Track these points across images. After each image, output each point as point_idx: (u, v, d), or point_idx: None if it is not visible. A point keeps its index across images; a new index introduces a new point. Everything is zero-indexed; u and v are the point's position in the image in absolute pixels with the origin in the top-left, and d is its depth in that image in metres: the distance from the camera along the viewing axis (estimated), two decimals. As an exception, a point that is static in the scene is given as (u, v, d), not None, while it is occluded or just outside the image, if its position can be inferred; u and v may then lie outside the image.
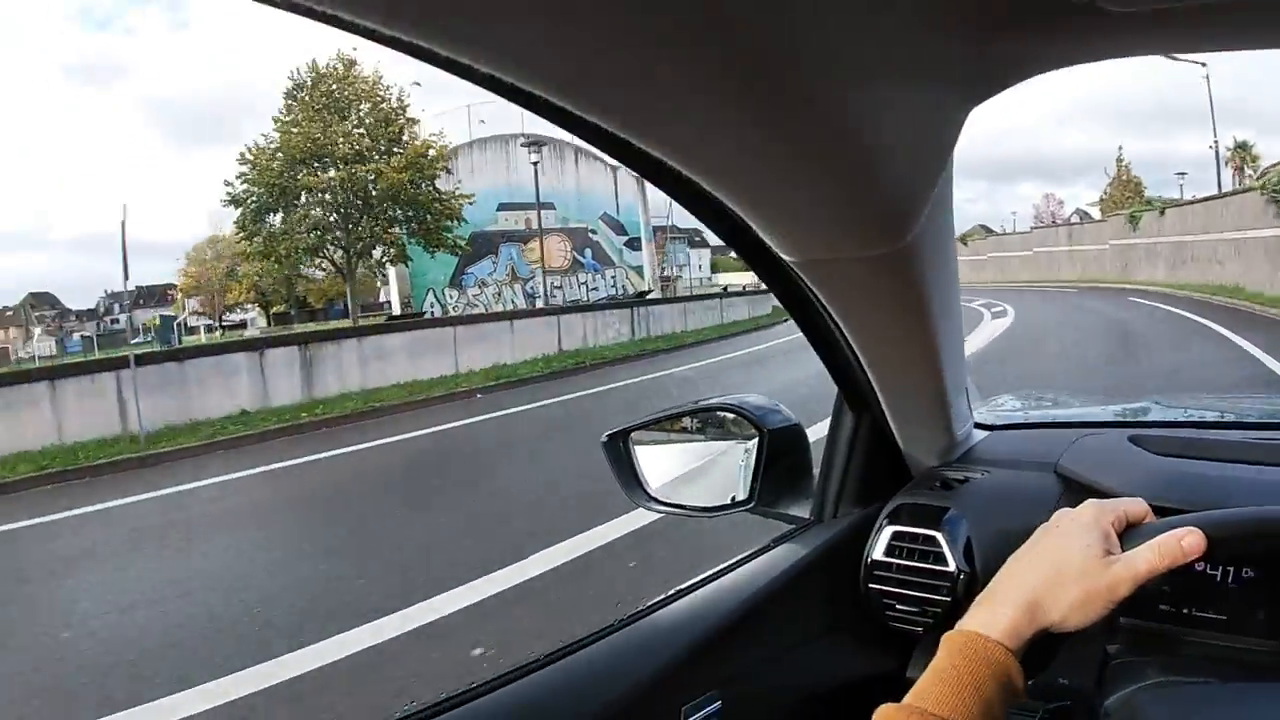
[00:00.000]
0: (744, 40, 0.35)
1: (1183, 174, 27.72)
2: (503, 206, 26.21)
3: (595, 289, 27.99)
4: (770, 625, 0.84)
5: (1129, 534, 0.57)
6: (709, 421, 1.04)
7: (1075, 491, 0.87)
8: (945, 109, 0.50)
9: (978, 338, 11.92)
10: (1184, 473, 0.86)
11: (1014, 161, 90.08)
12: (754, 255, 0.67)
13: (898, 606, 0.86)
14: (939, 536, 0.85)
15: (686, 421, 1.04)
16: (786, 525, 0.99)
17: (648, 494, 0.98)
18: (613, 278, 29.13)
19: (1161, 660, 0.73)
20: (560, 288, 26.56)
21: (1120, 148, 63.18)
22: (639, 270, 30.04)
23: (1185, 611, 0.77)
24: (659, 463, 0.99)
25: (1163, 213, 21.70)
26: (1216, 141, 21.20)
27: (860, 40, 0.39)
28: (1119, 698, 0.68)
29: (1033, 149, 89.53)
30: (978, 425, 1.09)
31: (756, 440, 0.95)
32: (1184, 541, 0.53)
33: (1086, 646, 0.76)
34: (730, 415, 0.99)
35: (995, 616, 0.52)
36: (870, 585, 0.88)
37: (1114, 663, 0.76)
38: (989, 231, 39.22)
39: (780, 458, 0.96)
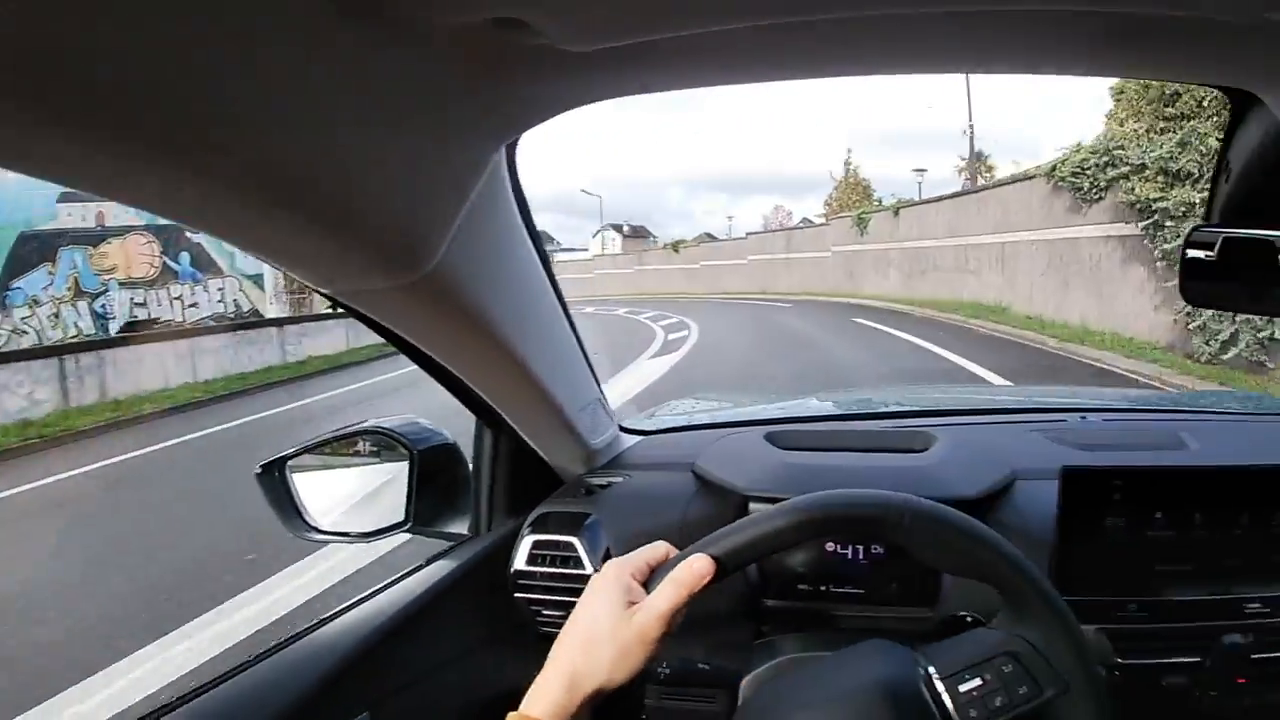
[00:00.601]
0: (215, 97, 0.37)
1: (922, 170, 26.16)
2: (65, 197, 18.30)
3: (194, 304, 20.39)
4: (424, 641, 0.86)
5: (655, 576, 0.60)
6: (371, 445, 1.02)
7: (709, 489, 0.99)
8: (464, 150, 0.56)
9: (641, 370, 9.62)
10: (799, 464, 1.00)
11: (754, 176, 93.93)
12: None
13: (544, 613, 0.93)
14: (575, 542, 0.91)
15: (356, 445, 1.02)
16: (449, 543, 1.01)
17: (307, 523, 0.96)
18: (220, 290, 21.57)
19: (804, 636, 0.85)
20: (144, 304, 19.22)
21: (849, 151, 60.52)
22: (257, 280, 20.94)
23: (824, 589, 0.92)
24: (319, 490, 0.98)
25: (896, 213, 18.29)
26: (972, 146, 18.17)
27: (359, 96, 0.43)
28: (754, 674, 0.80)
29: (773, 166, 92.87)
30: (630, 431, 1.20)
31: (408, 462, 0.97)
32: (694, 568, 0.58)
33: (734, 631, 0.89)
34: (384, 438, 0.99)
35: (540, 696, 0.55)
36: (516, 595, 0.93)
37: (756, 643, 0.87)
38: (712, 239, 36.76)
39: (435, 477, 0.98)
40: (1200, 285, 0.72)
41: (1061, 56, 0.55)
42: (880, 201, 22.75)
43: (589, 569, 0.89)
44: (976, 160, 22.02)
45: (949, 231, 15.30)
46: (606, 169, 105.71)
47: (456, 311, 0.67)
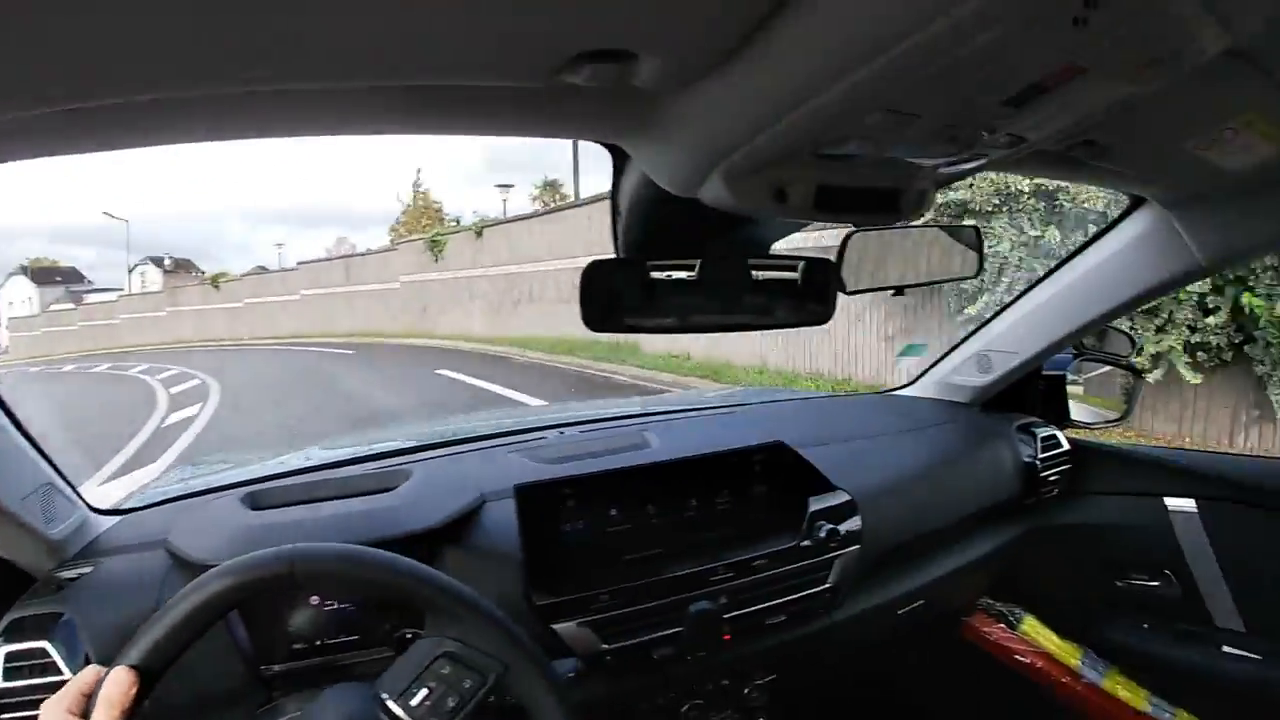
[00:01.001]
0: None
1: (507, 185, 24.47)
2: None
3: None
4: None
5: (91, 702, 0.58)
6: None
7: (182, 565, 0.91)
8: None
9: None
10: (267, 524, 0.95)
11: (319, 209, 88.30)
12: None
13: None
14: (48, 647, 0.82)
15: None
16: None
17: None
18: None
19: (304, 695, 0.81)
20: None
21: (419, 171, 54.35)
22: None
23: (319, 643, 0.89)
24: None
25: (480, 234, 15.08)
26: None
27: None
28: None
29: (338, 198, 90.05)
30: (107, 512, 1.07)
31: None
32: (117, 685, 0.57)
33: (238, 708, 0.85)
34: None
35: None
36: (2, 716, 0.81)
37: (258, 711, 0.83)
38: (265, 270, 28.82)
39: None
40: (600, 312, 0.78)
41: (444, 120, 0.57)
42: (458, 223, 19.60)
43: (67, 674, 0.80)
44: (550, 187, 20.58)
45: (551, 252, 12.56)
46: (155, 200, 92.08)
47: None
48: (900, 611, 1.21)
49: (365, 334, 18.22)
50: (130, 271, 42.24)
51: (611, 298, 0.78)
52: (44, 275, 45.80)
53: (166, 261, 45.34)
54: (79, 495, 1.01)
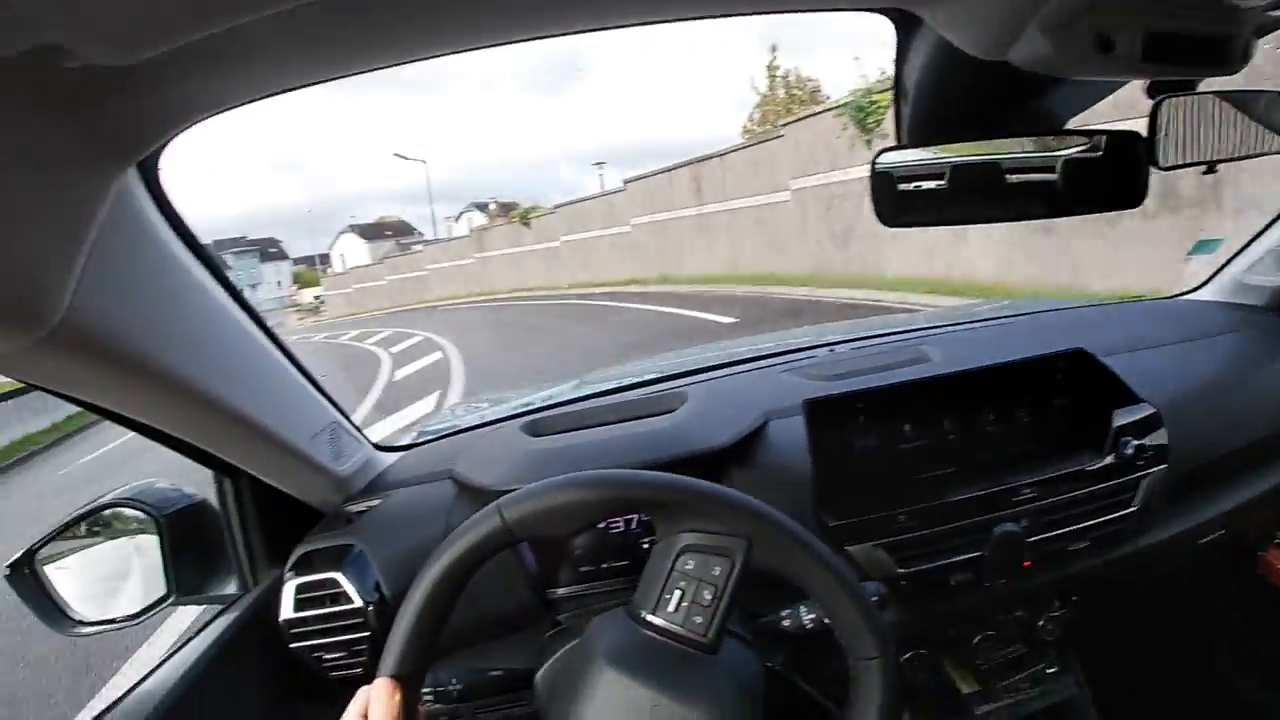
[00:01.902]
0: None
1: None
2: None
3: None
4: (211, 716, 0.81)
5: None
6: (116, 521, 0.91)
7: (468, 493, 0.96)
8: (60, 189, 0.48)
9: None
10: (550, 449, 0.98)
11: (650, 145, 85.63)
12: None
13: (326, 658, 0.86)
14: (339, 577, 0.85)
15: (107, 521, 0.91)
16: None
17: (71, 618, 0.86)
18: None
19: (585, 619, 0.76)
20: None
21: (774, 50, 48.04)
22: None
23: (604, 566, 0.92)
24: (76, 578, 0.88)
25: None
26: None
27: None
28: (542, 671, 0.73)
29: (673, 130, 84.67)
30: (388, 448, 1.12)
31: (156, 530, 0.89)
32: (380, 702, 0.56)
33: (527, 629, 0.87)
34: (127, 510, 0.90)
35: None
36: (293, 645, 0.87)
37: (547, 635, 0.82)
38: (581, 201, 19.94)
39: (191, 539, 0.91)
40: (894, 208, 0.74)
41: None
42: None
43: (358, 602, 0.84)
44: None
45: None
46: (490, 150, 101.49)
47: (114, 361, 0.59)
48: (1200, 541, 1.08)
49: (735, 277, 12.47)
50: (457, 219, 40.62)
51: (902, 190, 0.75)
52: (373, 231, 47.76)
53: (491, 205, 39.15)
54: (362, 434, 1.05)
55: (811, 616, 0.74)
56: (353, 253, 45.42)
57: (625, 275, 16.25)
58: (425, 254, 28.97)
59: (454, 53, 0.56)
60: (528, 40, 0.57)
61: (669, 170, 14.94)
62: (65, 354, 0.55)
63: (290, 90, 0.57)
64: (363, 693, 0.59)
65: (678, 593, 0.60)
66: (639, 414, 1.05)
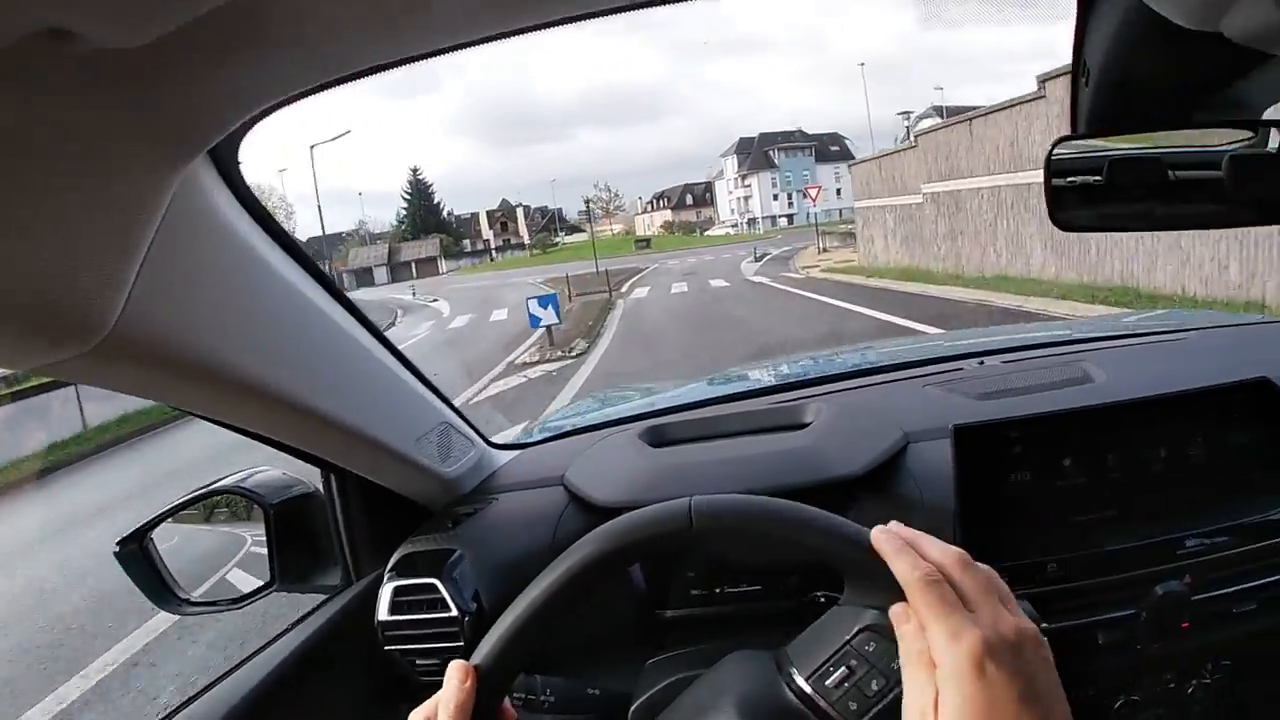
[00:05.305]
0: None
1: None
2: None
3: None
4: (305, 706, 0.82)
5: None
6: (230, 506, 0.97)
7: (580, 503, 0.93)
8: (126, 180, 0.45)
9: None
10: (667, 464, 0.94)
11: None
12: None
13: (419, 662, 0.86)
14: (437, 583, 0.84)
15: (219, 505, 0.96)
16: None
17: (178, 597, 0.89)
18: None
19: (691, 652, 0.77)
20: None
21: None
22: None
23: (719, 590, 0.86)
24: (184, 559, 0.92)
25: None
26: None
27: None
28: (640, 702, 0.71)
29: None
30: (504, 446, 1.11)
31: (263, 519, 0.91)
32: (450, 686, 0.53)
33: (628, 650, 0.83)
34: (238, 496, 0.93)
35: None
36: (386, 647, 0.86)
37: (647, 663, 0.80)
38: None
39: (299, 528, 0.93)
40: (1073, 210, 0.67)
41: None
42: None
43: (454, 611, 0.83)
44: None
45: None
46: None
47: (183, 365, 0.56)
48: None
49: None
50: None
51: (1082, 186, 0.68)
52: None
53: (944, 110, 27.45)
54: (477, 432, 1.03)
55: None
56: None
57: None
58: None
59: (547, 26, 0.52)
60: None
61: (969, 118, 11.43)
62: (128, 359, 0.53)
63: (367, 73, 0.54)
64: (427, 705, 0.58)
65: (844, 670, 0.53)
66: (767, 426, 1.00)
